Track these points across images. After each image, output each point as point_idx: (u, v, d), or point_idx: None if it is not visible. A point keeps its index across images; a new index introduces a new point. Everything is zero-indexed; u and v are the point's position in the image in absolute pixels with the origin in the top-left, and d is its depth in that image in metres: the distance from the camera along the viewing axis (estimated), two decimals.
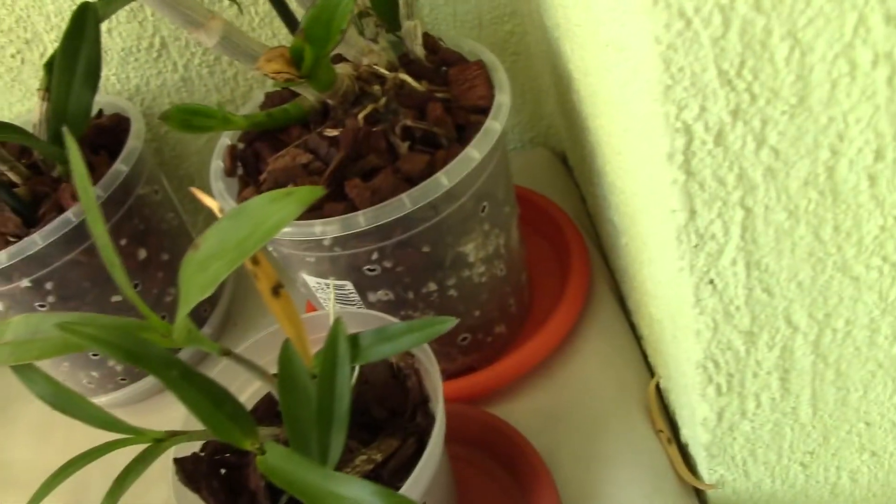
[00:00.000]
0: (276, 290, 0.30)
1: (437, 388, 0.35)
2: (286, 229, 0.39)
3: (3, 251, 0.45)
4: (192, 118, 0.42)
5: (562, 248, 0.56)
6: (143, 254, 0.52)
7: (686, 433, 0.43)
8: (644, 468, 0.43)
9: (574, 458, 0.44)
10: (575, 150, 0.57)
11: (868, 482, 0.42)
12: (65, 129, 0.29)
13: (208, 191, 0.67)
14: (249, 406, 0.40)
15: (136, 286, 0.52)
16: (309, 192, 0.23)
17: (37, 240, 0.45)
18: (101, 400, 0.56)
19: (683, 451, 0.44)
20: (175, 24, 0.51)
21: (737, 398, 0.36)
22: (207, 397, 0.28)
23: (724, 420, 0.38)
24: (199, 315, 0.58)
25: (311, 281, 0.44)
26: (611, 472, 0.43)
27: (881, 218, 0.29)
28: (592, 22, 0.33)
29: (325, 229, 0.38)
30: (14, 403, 0.61)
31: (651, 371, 0.49)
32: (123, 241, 0.50)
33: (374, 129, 0.41)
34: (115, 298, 0.51)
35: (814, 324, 0.33)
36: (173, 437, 0.32)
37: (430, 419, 0.36)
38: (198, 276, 0.26)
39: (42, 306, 0.49)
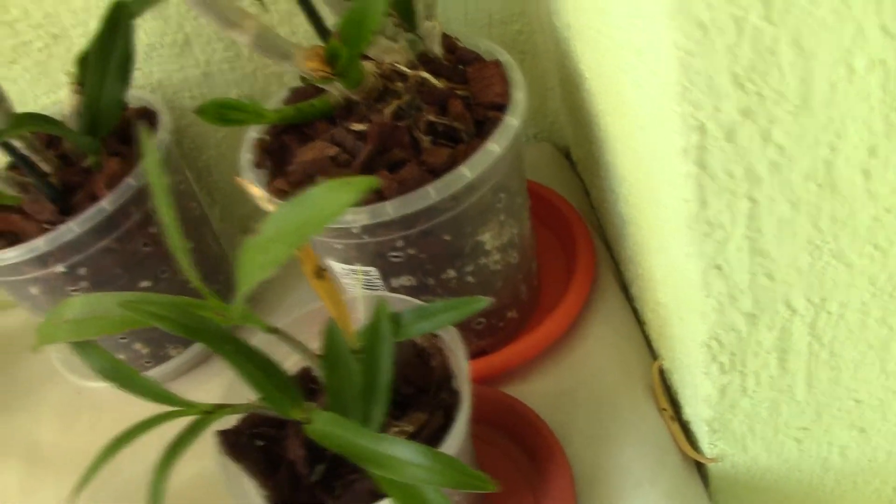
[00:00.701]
0: (320, 272, 0.33)
1: (461, 364, 0.37)
2: None
3: (42, 238, 0.48)
4: (227, 112, 0.44)
5: (567, 239, 0.58)
6: None
7: (689, 411, 0.46)
8: (649, 444, 0.46)
9: (582, 436, 0.47)
10: (581, 145, 0.60)
11: (856, 457, 0.45)
12: (141, 127, 0.31)
13: (230, 181, 0.70)
14: None
15: (163, 272, 0.54)
16: (366, 182, 0.26)
17: (73, 227, 0.48)
18: None
19: (685, 428, 0.47)
20: (211, 24, 0.53)
21: (738, 376, 0.39)
22: (259, 369, 0.31)
23: (726, 397, 0.40)
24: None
25: (337, 267, 0.46)
26: (617, 449, 0.46)
27: (874, 209, 0.32)
28: (610, 26, 0.35)
29: (356, 218, 0.41)
30: (40, 386, 0.63)
31: (653, 354, 0.52)
32: (153, 229, 0.53)
33: (399, 124, 0.43)
34: (144, 283, 0.53)
35: (810, 307, 0.36)
36: (220, 409, 0.35)
37: (454, 395, 0.39)
38: (258, 258, 0.28)
39: (75, 291, 0.51)
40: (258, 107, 0.44)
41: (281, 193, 0.44)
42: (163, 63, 0.61)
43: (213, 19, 0.42)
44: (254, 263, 0.28)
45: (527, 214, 0.50)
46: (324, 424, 0.30)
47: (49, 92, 0.62)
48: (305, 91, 0.51)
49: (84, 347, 0.33)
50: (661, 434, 0.46)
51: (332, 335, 0.32)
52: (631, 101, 0.36)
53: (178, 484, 0.54)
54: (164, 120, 0.54)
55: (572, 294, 0.53)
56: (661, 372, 0.50)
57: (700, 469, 0.48)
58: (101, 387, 0.60)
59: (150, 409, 0.61)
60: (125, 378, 0.34)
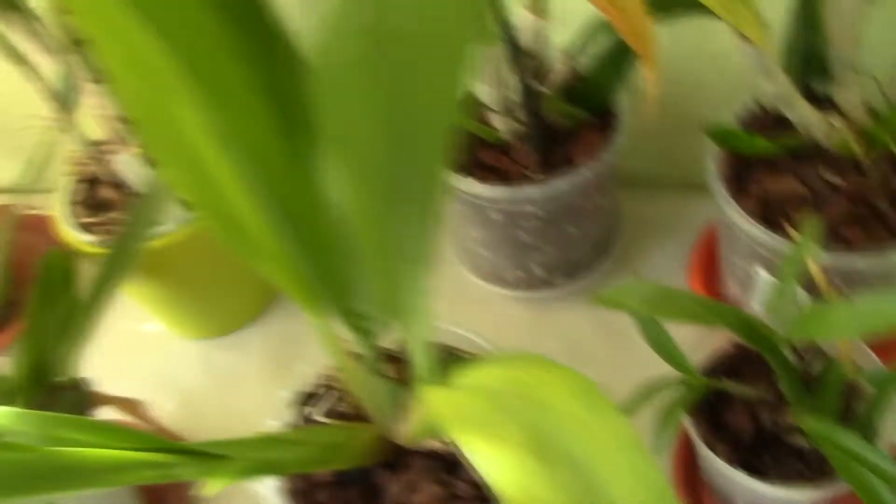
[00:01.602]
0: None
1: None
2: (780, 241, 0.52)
3: (537, 187, 0.60)
4: (731, 139, 0.55)
5: None
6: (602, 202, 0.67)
7: None
8: None
9: None
10: None
11: None
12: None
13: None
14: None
15: (583, 223, 0.67)
16: None
17: (561, 184, 0.60)
18: None
19: None
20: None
21: None
22: (793, 375, 0.43)
23: None
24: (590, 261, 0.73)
25: (764, 275, 0.57)
26: None
27: None
28: None
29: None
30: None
31: None
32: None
33: (874, 188, 0.53)
34: (572, 230, 0.66)
35: None
36: (718, 381, 0.48)
37: None
38: (840, 323, 0.39)
39: (525, 225, 0.64)
40: (755, 139, 0.54)
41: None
42: None
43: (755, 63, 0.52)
44: (831, 324, 0.40)
45: None
46: (822, 427, 0.42)
47: None
48: (761, 119, 0.60)
49: (649, 321, 0.46)
50: None
51: (835, 366, 0.43)
52: None
53: None
54: (625, 103, 0.65)
55: None
56: None
57: None
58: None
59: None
60: (663, 347, 0.47)
